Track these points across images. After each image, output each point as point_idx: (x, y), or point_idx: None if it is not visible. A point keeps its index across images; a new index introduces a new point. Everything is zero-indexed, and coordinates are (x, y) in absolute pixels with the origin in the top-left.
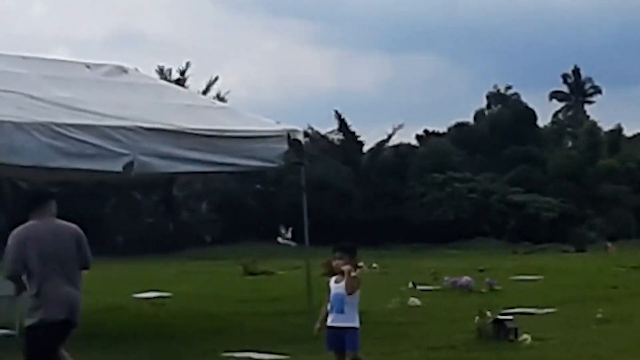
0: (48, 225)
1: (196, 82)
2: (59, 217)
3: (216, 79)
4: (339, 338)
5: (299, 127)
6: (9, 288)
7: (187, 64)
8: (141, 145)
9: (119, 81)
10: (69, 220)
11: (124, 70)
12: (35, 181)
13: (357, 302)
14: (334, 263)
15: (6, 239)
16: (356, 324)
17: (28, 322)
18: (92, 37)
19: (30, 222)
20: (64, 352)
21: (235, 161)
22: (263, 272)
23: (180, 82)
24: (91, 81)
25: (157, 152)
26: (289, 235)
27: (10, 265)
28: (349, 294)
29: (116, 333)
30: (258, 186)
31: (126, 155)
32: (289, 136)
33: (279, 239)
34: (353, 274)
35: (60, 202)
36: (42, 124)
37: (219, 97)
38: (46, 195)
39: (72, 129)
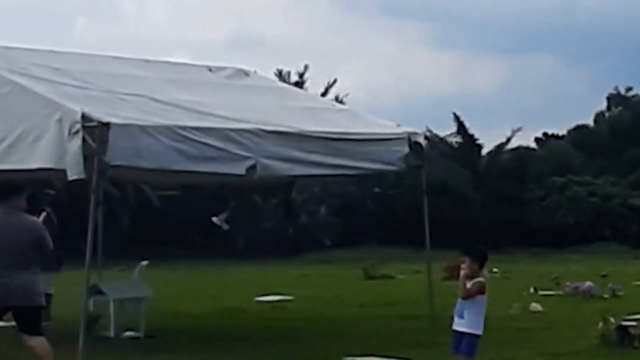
0: (3, 217)
1: (315, 85)
2: (183, 220)
3: (334, 81)
4: (459, 342)
5: (417, 129)
6: (135, 290)
7: (306, 67)
8: (263, 147)
9: (241, 84)
10: (193, 223)
11: (246, 73)
12: (157, 184)
13: (479, 309)
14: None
15: (129, 241)
16: (474, 331)
17: None
18: (211, 40)
19: None
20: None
21: (356, 164)
22: (383, 276)
23: (298, 84)
24: (213, 84)
25: (279, 155)
26: (224, 218)
27: None
28: (462, 298)
29: (239, 336)
30: (376, 189)
31: (249, 158)
32: (409, 139)
33: (214, 219)
34: (479, 279)
35: (182, 205)
36: (166, 127)
37: (338, 100)
38: (15, 188)
39: (195, 131)
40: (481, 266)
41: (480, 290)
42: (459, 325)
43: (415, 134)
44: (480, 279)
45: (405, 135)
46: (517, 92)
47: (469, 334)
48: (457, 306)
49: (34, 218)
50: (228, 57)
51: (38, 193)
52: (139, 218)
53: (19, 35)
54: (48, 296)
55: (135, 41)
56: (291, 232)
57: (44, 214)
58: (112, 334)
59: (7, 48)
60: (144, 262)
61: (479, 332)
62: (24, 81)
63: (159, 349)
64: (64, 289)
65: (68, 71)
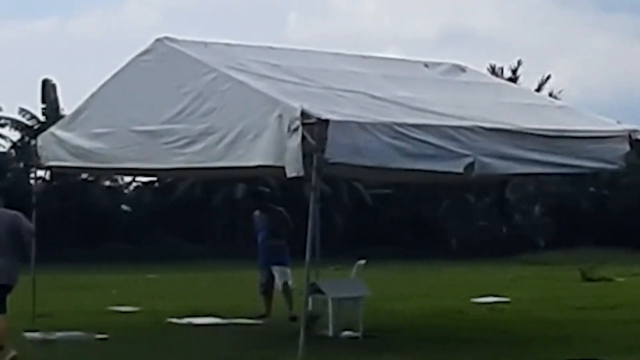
0: None
1: (528, 81)
2: (396, 218)
3: (548, 77)
4: None
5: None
6: (353, 289)
7: (519, 62)
8: (482, 145)
9: (457, 80)
10: (405, 222)
11: (462, 69)
12: (369, 182)
13: None
14: None
15: (343, 240)
16: None
17: None
18: (421, 36)
19: None
20: None
21: (576, 162)
22: (601, 279)
23: (512, 80)
24: (430, 80)
25: (497, 153)
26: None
27: None
28: None
29: (457, 338)
30: (592, 189)
31: (467, 156)
32: (630, 136)
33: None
34: None
35: (394, 204)
36: (384, 124)
37: (551, 96)
38: None
39: (413, 129)
40: None
41: None
42: None
43: (636, 131)
44: None
45: (626, 133)
46: None
47: None
48: None
49: (10, 211)
50: (439, 53)
51: (260, 191)
52: (353, 216)
53: (234, 32)
54: (289, 287)
55: (346, 37)
56: (504, 232)
57: (278, 209)
58: (330, 333)
59: (226, 45)
60: (362, 261)
61: None
62: (243, 78)
63: (379, 349)
64: None
65: (286, 67)
